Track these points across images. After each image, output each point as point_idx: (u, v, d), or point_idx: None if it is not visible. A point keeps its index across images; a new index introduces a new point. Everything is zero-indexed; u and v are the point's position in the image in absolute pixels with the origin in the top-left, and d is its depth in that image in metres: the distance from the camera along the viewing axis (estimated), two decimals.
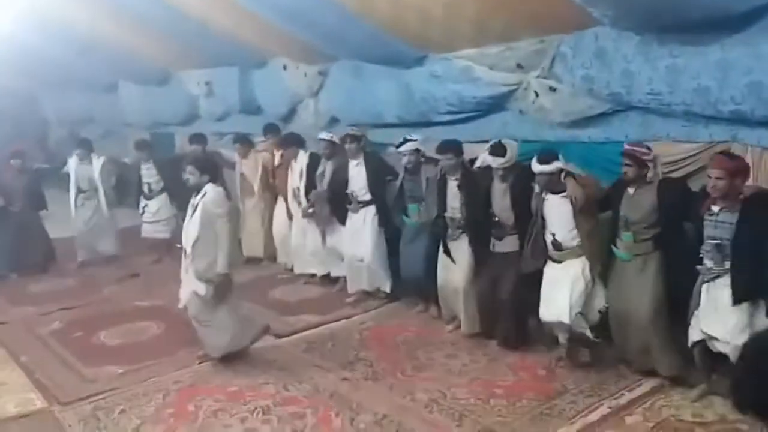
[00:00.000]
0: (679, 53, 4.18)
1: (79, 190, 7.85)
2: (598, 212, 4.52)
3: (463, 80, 5.56)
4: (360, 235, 6.14)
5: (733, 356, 3.75)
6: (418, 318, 5.73)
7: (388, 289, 6.17)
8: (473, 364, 4.77)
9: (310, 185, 6.60)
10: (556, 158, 4.44)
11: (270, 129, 7.48)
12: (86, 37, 7.99)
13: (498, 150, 4.83)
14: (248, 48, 7.21)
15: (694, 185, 4.23)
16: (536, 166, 4.44)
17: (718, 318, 3.78)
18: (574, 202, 4.35)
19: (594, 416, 3.95)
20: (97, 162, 7.87)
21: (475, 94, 5.56)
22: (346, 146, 6.16)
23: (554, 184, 4.46)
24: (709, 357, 3.98)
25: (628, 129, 4.82)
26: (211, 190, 4.73)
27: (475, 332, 5.19)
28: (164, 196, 7.79)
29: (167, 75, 9.13)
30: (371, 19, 5.42)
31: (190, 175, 4.75)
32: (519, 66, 5.16)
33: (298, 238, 6.92)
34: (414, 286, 5.87)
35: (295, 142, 6.85)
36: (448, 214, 5.29)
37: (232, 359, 4.98)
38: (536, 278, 4.65)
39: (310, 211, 6.59)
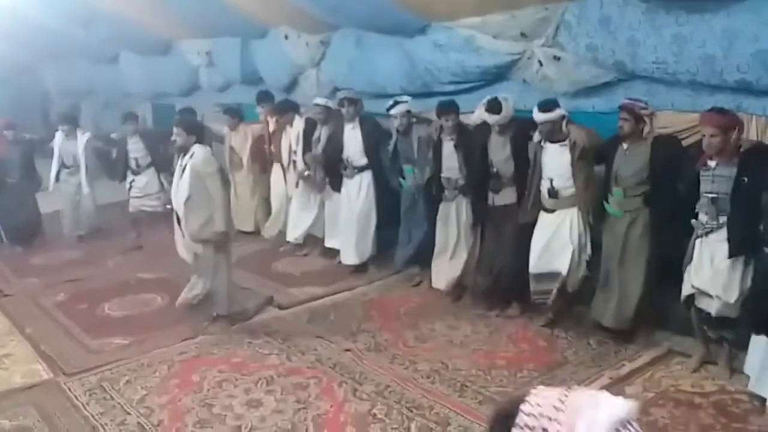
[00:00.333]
0: (684, 21, 4.09)
1: (63, 165, 7.79)
2: (594, 164, 4.58)
3: (467, 50, 5.48)
4: (356, 201, 6.14)
5: (718, 312, 3.78)
6: (420, 289, 5.74)
7: (369, 256, 6.19)
8: (474, 336, 4.80)
9: (307, 150, 6.59)
10: (558, 106, 4.52)
11: (263, 97, 7.38)
12: (87, 8, 7.89)
13: (494, 107, 4.84)
14: (249, 17, 7.10)
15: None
16: (539, 115, 4.50)
17: (711, 273, 3.79)
18: (576, 147, 4.42)
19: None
20: (82, 138, 7.79)
21: (479, 64, 5.49)
22: (343, 110, 6.14)
23: (555, 133, 4.53)
24: (697, 313, 3.99)
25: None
26: (198, 150, 4.80)
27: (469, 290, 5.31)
28: (152, 170, 7.63)
29: (168, 45, 9.03)
30: None
31: (178, 136, 4.83)
32: (523, 35, 5.08)
33: (294, 206, 6.90)
34: (415, 252, 5.87)
35: (290, 108, 6.84)
36: (444, 175, 5.29)
37: (236, 330, 5.03)
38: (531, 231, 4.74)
39: (306, 174, 6.60)
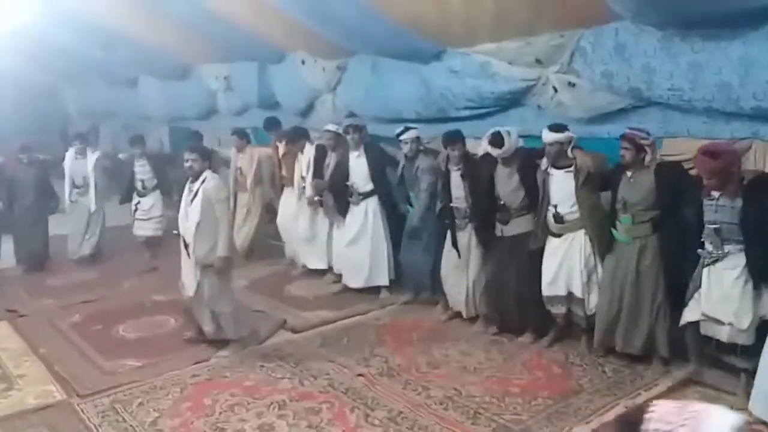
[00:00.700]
0: (700, 49, 4.11)
1: (74, 185, 7.86)
2: (600, 190, 4.63)
3: (482, 75, 5.52)
4: (362, 227, 6.21)
5: (730, 339, 3.82)
6: (433, 315, 5.71)
7: (386, 282, 6.24)
8: (488, 362, 4.76)
9: (318, 176, 6.68)
10: (567, 129, 4.63)
11: (271, 123, 7.51)
12: (108, 32, 8.03)
13: (497, 140, 4.92)
14: (267, 43, 7.21)
15: None
16: (548, 135, 4.61)
17: (722, 300, 3.83)
18: (581, 172, 4.51)
19: (610, 415, 3.91)
20: (92, 156, 7.87)
21: (494, 90, 5.52)
22: (348, 137, 6.24)
23: (561, 157, 4.62)
24: (701, 339, 4.04)
25: (648, 125, 4.73)
26: (211, 176, 4.90)
27: (481, 317, 5.33)
28: (157, 193, 7.72)
29: (186, 69, 9.18)
30: (390, 13, 5.40)
31: (194, 162, 4.88)
32: (538, 61, 5.12)
33: (303, 231, 6.97)
34: (417, 277, 5.92)
35: (302, 135, 6.95)
36: (453, 204, 5.36)
37: (248, 354, 5.03)
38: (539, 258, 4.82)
39: (316, 199, 6.68)
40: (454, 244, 5.36)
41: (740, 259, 3.80)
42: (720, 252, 3.85)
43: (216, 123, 9.19)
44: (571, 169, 4.59)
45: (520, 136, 5.05)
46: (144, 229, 7.76)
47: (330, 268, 6.80)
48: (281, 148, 7.33)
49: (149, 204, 7.70)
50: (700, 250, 3.95)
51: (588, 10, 4.48)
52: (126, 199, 7.91)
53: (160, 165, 7.73)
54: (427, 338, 5.24)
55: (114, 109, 11.67)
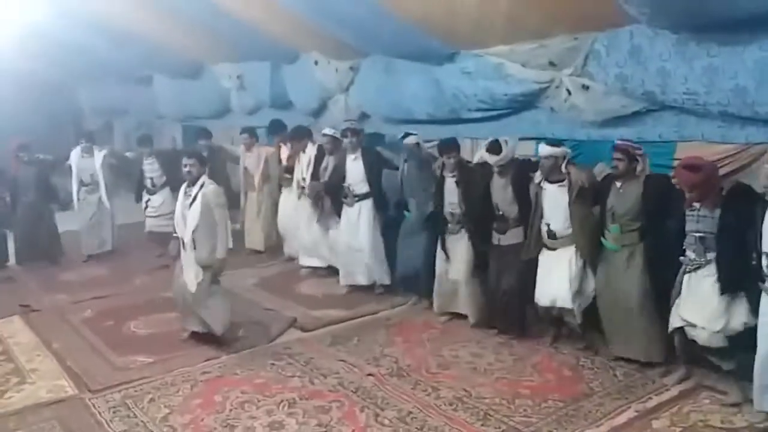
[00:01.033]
0: (716, 53, 4.09)
1: (82, 184, 7.93)
2: (591, 204, 4.76)
3: (495, 77, 5.52)
4: (356, 228, 6.31)
5: (707, 342, 3.98)
6: (441, 316, 5.68)
7: (387, 282, 6.34)
8: (498, 364, 4.75)
9: (316, 176, 6.78)
10: (563, 144, 4.79)
11: (276, 126, 7.59)
12: (122, 30, 8.07)
13: (495, 148, 5.01)
14: (280, 43, 7.23)
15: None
16: (545, 149, 4.74)
17: (698, 306, 4.00)
18: (574, 186, 4.64)
19: (621, 419, 3.92)
20: (99, 155, 7.94)
21: (507, 92, 5.51)
22: (346, 140, 6.35)
23: (555, 172, 4.74)
24: (688, 344, 4.15)
25: (662, 129, 4.75)
26: (209, 181, 5.03)
27: (479, 322, 5.41)
28: (167, 190, 7.80)
29: (200, 68, 9.21)
30: (403, 15, 5.40)
31: (192, 167, 5.00)
32: (551, 63, 5.10)
33: (302, 230, 7.06)
34: (410, 279, 5.99)
35: (304, 134, 7.03)
36: (447, 210, 5.45)
37: (259, 352, 5.06)
38: (536, 267, 4.93)
39: (314, 196, 6.79)
40: (443, 247, 5.49)
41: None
42: (702, 260, 4.00)
43: (229, 122, 9.22)
44: (564, 183, 4.72)
45: (533, 139, 5.06)
46: (155, 225, 7.83)
47: (328, 267, 6.91)
48: (285, 150, 7.45)
49: (159, 201, 7.81)
50: (682, 258, 4.10)
51: (602, 13, 4.46)
52: (138, 197, 8.01)
53: (169, 162, 7.76)
54: (438, 339, 5.24)
55: (128, 107, 11.71)
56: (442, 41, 5.70)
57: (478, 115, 5.88)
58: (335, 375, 4.62)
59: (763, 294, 3.69)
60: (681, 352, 4.27)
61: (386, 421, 3.97)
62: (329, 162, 6.67)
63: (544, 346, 4.98)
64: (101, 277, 7.46)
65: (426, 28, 5.52)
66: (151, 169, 7.86)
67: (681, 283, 4.12)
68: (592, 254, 4.71)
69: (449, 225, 5.46)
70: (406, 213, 6.02)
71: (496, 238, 5.19)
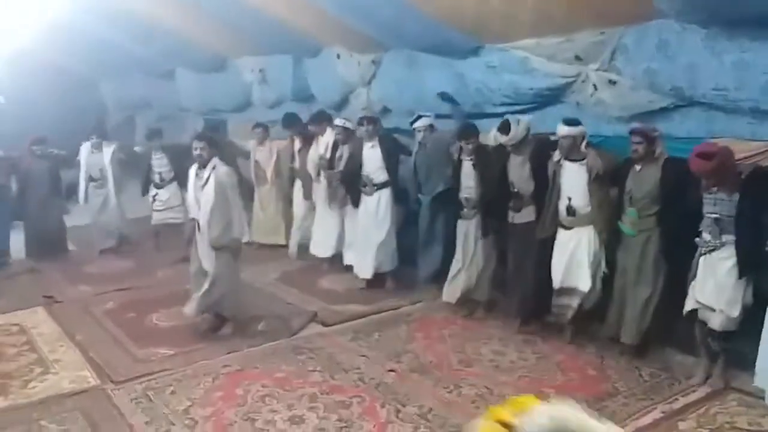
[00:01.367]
0: (747, 48, 3.99)
1: (91, 179, 7.98)
2: (609, 186, 4.75)
3: (520, 71, 5.45)
4: (374, 217, 6.30)
5: (722, 326, 4.00)
6: (462, 312, 5.67)
7: (391, 268, 6.34)
8: (521, 362, 4.71)
9: (331, 165, 6.81)
10: (580, 123, 4.75)
11: (290, 120, 7.59)
12: (147, 25, 8.12)
13: (504, 127, 5.06)
14: (302, 36, 7.22)
15: None
16: (563, 128, 4.72)
17: (717, 289, 4.01)
18: (593, 169, 4.64)
19: (646, 420, 3.87)
20: (108, 150, 7.99)
21: (532, 86, 5.45)
22: (362, 128, 6.35)
23: (574, 151, 4.73)
24: (706, 329, 4.16)
25: (691, 125, 4.66)
26: (219, 163, 5.09)
27: (491, 303, 5.55)
28: (174, 185, 7.85)
29: (223, 62, 9.23)
30: (426, 8, 5.37)
31: (203, 150, 5.08)
32: (578, 58, 5.04)
33: (316, 220, 7.13)
34: (432, 265, 6.01)
35: (324, 119, 7.06)
36: (462, 195, 5.48)
37: (280, 346, 5.06)
38: (551, 246, 4.94)
39: (332, 184, 6.83)
40: (456, 231, 5.56)
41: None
42: (717, 242, 4.01)
43: (250, 115, 9.22)
44: (584, 162, 4.72)
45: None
46: (162, 218, 7.95)
47: (338, 257, 6.93)
48: (297, 143, 7.49)
49: (166, 196, 7.90)
50: (697, 239, 4.12)
51: (630, 7, 4.40)
52: (145, 191, 8.09)
53: (177, 157, 7.78)
54: (459, 335, 5.21)
55: (150, 101, 11.78)
56: (467, 35, 5.65)
57: (502, 109, 5.81)
58: (356, 370, 4.61)
59: None
60: (700, 340, 4.24)
61: (407, 418, 3.94)
62: (343, 151, 6.69)
63: (566, 340, 4.97)
64: (123, 269, 7.52)
65: (450, 21, 5.47)
66: (159, 163, 7.92)
67: (696, 265, 4.13)
68: (610, 237, 4.71)
69: (464, 210, 5.48)
70: (420, 197, 6.03)
71: (511, 216, 5.20)
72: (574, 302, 4.85)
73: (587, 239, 4.75)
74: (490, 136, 5.45)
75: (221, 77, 9.42)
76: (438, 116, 6.36)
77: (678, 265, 4.33)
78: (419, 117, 5.92)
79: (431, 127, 5.90)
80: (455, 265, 5.62)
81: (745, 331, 4.06)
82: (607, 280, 4.79)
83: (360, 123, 6.40)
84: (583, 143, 4.74)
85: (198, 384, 4.47)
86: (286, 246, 7.74)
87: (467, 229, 5.52)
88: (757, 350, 3.94)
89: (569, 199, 4.78)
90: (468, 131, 5.42)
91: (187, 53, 9.09)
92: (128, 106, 12.57)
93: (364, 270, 6.41)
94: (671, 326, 4.52)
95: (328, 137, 6.95)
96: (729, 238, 3.97)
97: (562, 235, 4.87)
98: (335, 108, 7.80)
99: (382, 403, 4.13)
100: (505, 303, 5.45)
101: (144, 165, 8.04)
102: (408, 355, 4.85)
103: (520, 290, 5.23)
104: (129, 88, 12.02)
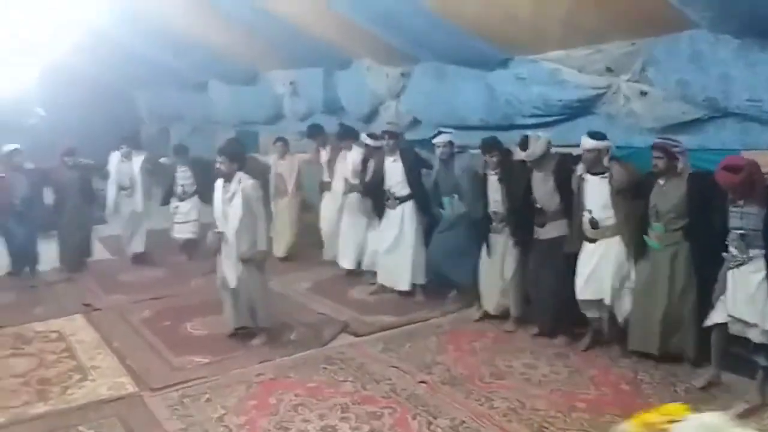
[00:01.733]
0: None
1: (121, 188, 8.13)
2: (633, 199, 4.72)
3: (550, 83, 5.47)
4: (398, 231, 6.36)
5: (761, 339, 3.94)
6: (494, 324, 5.67)
7: (422, 281, 6.37)
8: (553, 375, 4.68)
9: (361, 178, 6.91)
10: (605, 138, 4.75)
11: (314, 131, 7.74)
12: (182, 38, 8.30)
13: (522, 143, 5.15)
14: (333, 49, 7.32)
15: None
16: (588, 142, 4.73)
17: (750, 302, 3.95)
18: (615, 182, 4.65)
19: None
20: (137, 159, 8.15)
21: (562, 97, 5.46)
22: (384, 143, 6.40)
23: (598, 164, 4.74)
24: (725, 341, 4.18)
25: (725, 136, 4.62)
26: (245, 177, 5.21)
27: (519, 318, 5.54)
28: (195, 198, 8.08)
29: (255, 75, 9.37)
30: (456, 21, 5.41)
31: (221, 164, 5.19)
32: (609, 69, 5.03)
33: (343, 232, 7.23)
34: (446, 274, 6.07)
35: (349, 134, 7.16)
36: (491, 208, 5.51)
37: (311, 356, 5.11)
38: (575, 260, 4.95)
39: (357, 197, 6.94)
40: (487, 246, 5.58)
41: (764, 264, 3.93)
42: (744, 256, 3.97)
43: (281, 127, 9.35)
44: (606, 175, 4.73)
45: None
46: (182, 231, 8.19)
47: (362, 270, 7.02)
48: (324, 154, 7.59)
49: (187, 208, 8.12)
50: (724, 254, 4.08)
51: (661, 18, 4.38)
52: (165, 202, 8.31)
53: (200, 171, 7.98)
54: (490, 348, 5.20)
55: (184, 113, 11.99)
56: (496, 47, 5.68)
57: (532, 121, 5.82)
58: (387, 381, 4.64)
59: None
60: (716, 349, 4.25)
61: (439, 430, 3.95)
62: (369, 165, 6.80)
63: (581, 348, 5.03)
64: (156, 278, 7.66)
65: (480, 34, 5.51)
66: (183, 176, 8.16)
67: (725, 279, 4.09)
68: (637, 249, 4.69)
69: (493, 224, 5.52)
70: (441, 211, 6.07)
71: (536, 232, 5.25)
72: (603, 314, 4.89)
73: (613, 252, 4.75)
74: (515, 152, 5.49)
75: (253, 90, 9.56)
76: (469, 128, 6.40)
77: (707, 279, 4.29)
78: (439, 132, 5.98)
79: (451, 143, 5.93)
80: (485, 278, 5.67)
81: None
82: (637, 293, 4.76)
83: (381, 137, 6.51)
84: (607, 157, 4.74)
85: (232, 392, 4.53)
86: (288, 258, 8.02)
87: (496, 242, 5.54)
88: None
89: (590, 212, 4.80)
90: (490, 145, 5.45)
91: (220, 66, 9.27)
92: (163, 117, 12.81)
93: (392, 283, 6.48)
94: (705, 341, 4.44)
95: (355, 153, 7.06)
96: (756, 252, 3.93)
97: (587, 247, 4.88)
98: (364, 120, 7.87)
99: (414, 414, 4.14)
100: (535, 316, 5.46)
101: (169, 177, 8.25)
102: (439, 367, 4.85)
103: (541, 304, 5.28)
104: (163, 99, 12.26)
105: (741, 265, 3.99)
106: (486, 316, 5.75)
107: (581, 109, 5.46)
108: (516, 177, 5.36)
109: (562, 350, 5.07)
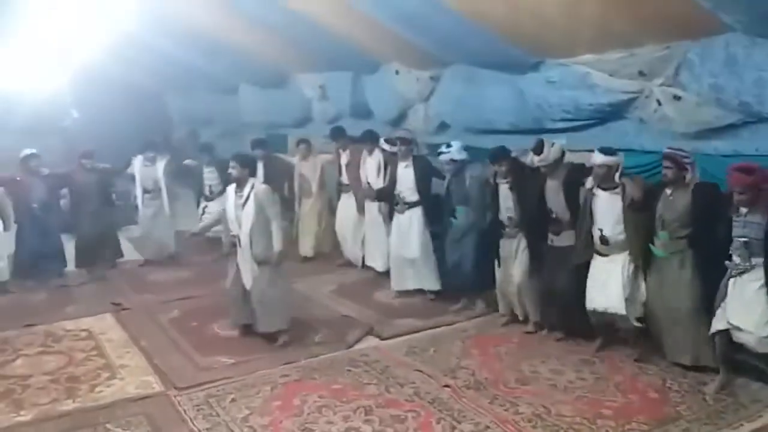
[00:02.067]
0: None
1: (145, 191, 8.21)
2: (643, 210, 4.71)
3: (581, 87, 5.41)
4: (406, 235, 6.42)
5: (756, 346, 4.05)
6: (520, 330, 5.62)
7: (436, 288, 6.41)
8: (579, 381, 4.62)
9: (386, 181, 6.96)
10: (617, 153, 4.78)
11: (336, 133, 7.80)
12: (213, 42, 8.39)
13: (537, 148, 5.15)
14: (362, 53, 7.33)
15: None
16: (599, 157, 4.75)
17: (746, 310, 4.05)
18: (627, 197, 4.64)
19: None
20: (161, 162, 8.22)
21: (592, 101, 5.40)
22: (397, 148, 6.48)
23: (608, 180, 4.75)
24: (729, 347, 4.23)
25: (759, 142, 4.53)
26: (257, 182, 5.38)
27: (537, 322, 5.53)
28: (223, 198, 8.04)
29: (284, 78, 9.45)
30: (487, 24, 5.38)
31: (233, 169, 5.33)
32: (641, 73, 4.96)
33: (367, 234, 7.31)
34: (459, 282, 6.07)
35: (370, 138, 7.19)
36: (503, 216, 5.54)
37: (335, 358, 5.11)
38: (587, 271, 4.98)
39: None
40: (498, 252, 5.60)
41: (764, 273, 4.01)
42: (747, 264, 4.06)
43: (310, 130, 9.40)
44: (617, 191, 4.73)
45: (620, 150, 4.90)
46: (211, 231, 8.07)
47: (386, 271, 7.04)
48: (344, 157, 7.66)
49: (215, 208, 7.99)
50: (727, 262, 4.15)
51: (695, 22, 4.32)
52: (199, 203, 8.46)
53: (227, 171, 7.96)
54: (516, 353, 5.15)
55: (214, 116, 12.11)
56: (527, 50, 5.64)
57: (562, 125, 5.77)
58: (411, 384, 4.62)
59: None
60: (720, 355, 4.30)
61: None
62: (388, 170, 6.87)
63: (593, 352, 5.03)
64: (183, 278, 7.73)
65: (510, 37, 5.48)
66: (210, 177, 8.32)
67: (726, 286, 4.18)
68: (645, 260, 4.73)
69: (506, 229, 5.53)
70: (452, 220, 6.07)
71: (551, 239, 5.27)
72: (621, 324, 4.89)
73: (621, 265, 4.77)
74: (528, 157, 5.45)
75: (282, 93, 9.64)
76: (498, 132, 6.36)
77: (712, 287, 4.33)
78: (448, 145, 5.95)
79: (453, 161, 5.88)
80: (500, 283, 5.69)
81: None
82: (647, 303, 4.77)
83: (394, 143, 6.56)
84: (618, 173, 4.73)
85: (257, 393, 4.56)
86: (315, 258, 8.08)
87: (511, 247, 5.54)
88: None
89: (601, 230, 4.81)
90: (499, 155, 5.47)
91: (250, 69, 9.36)
92: (193, 120, 12.95)
93: (399, 284, 6.57)
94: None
95: (376, 157, 7.11)
96: (758, 260, 4.01)
97: (597, 260, 4.91)
98: (392, 124, 7.88)
99: (438, 419, 4.12)
100: (554, 320, 5.42)
101: (197, 178, 8.36)
102: (463, 371, 4.82)
103: (562, 310, 5.26)
104: (194, 102, 12.41)
105: (743, 272, 4.08)
106: (512, 320, 5.73)
107: (612, 113, 5.40)
108: (527, 184, 5.39)
109: (589, 357, 4.99)
